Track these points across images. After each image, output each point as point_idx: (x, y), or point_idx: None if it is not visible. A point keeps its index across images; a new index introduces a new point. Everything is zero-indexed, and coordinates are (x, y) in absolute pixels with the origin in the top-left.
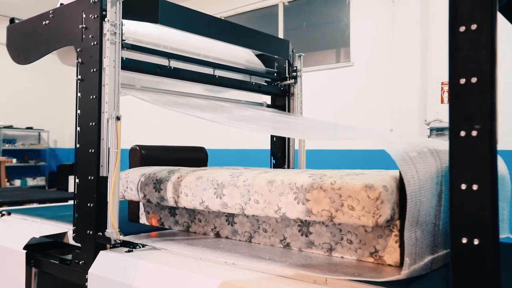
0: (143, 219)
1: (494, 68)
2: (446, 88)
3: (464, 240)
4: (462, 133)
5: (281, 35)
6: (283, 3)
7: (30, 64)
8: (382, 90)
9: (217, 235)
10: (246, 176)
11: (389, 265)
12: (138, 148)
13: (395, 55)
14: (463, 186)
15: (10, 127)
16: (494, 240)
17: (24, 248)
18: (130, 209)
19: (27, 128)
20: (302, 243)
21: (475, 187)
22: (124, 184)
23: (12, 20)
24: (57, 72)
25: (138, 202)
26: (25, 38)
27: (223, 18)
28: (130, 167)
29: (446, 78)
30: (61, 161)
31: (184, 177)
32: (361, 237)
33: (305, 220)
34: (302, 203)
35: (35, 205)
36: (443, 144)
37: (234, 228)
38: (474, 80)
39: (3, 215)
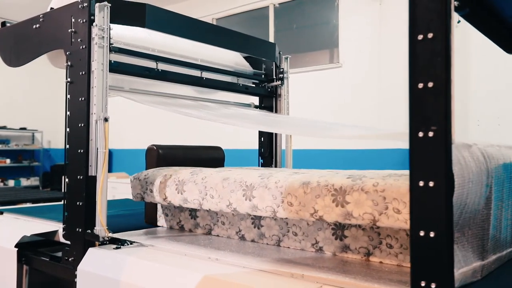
0: (161, 221)
1: (449, 73)
2: None
3: (422, 233)
4: (420, 134)
5: (271, 36)
6: (274, 5)
7: (25, 65)
8: (370, 91)
9: (242, 238)
10: (277, 177)
11: None
12: (155, 147)
13: (382, 56)
14: (421, 183)
15: (4, 127)
16: (448, 233)
17: (16, 246)
18: (147, 211)
19: (21, 128)
20: (336, 247)
21: (431, 183)
22: (143, 185)
23: (3, 24)
24: (51, 74)
25: (155, 204)
26: (16, 41)
27: (215, 20)
28: (146, 167)
29: None
30: (55, 162)
31: (208, 178)
32: (402, 241)
33: (340, 223)
34: (341, 206)
35: (28, 205)
36: (490, 144)
37: (261, 231)
38: (430, 85)
39: None
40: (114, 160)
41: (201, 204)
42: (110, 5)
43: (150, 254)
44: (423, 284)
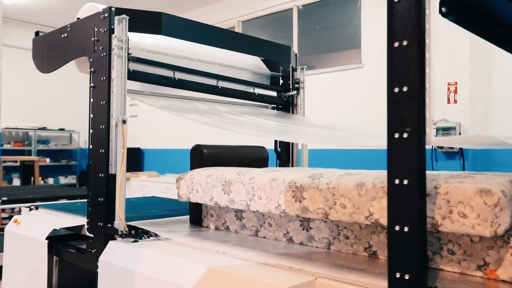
0: (206, 222)
1: (422, 78)
2: (452, 88)
3: (397, 228)
4: (396, 135)
5: (295, 37)
6: (297, 7)
7: (63, 70)
8: None
9: (290, 240)
10: (328, 178)
11: (504, 281)
12: (199, 147)
13: None
14: (397, 181)
15: (44, 128)
16: (421, 228)
17: (46, 239)
18: (191, 211)
19: (60, 129)
20: None
21: (405, 182)
22: (189, 185)
23: (37, 33)
24: (87, 77)
25: (200, 204)
26: (47, 49)
27: (240, 22)
28: (191, 167)
29: (452, 79)
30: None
31: (256, 179)
32: (466, 247)
33: None
34: None
35: (64, 201)
36: None
37: (310, 234)
38: (405, 89)
39: (31, 209)
40: (145, 160)
41: (249, 205)
42: (128, 17)
43: (164, 247)
44: (398, 275)
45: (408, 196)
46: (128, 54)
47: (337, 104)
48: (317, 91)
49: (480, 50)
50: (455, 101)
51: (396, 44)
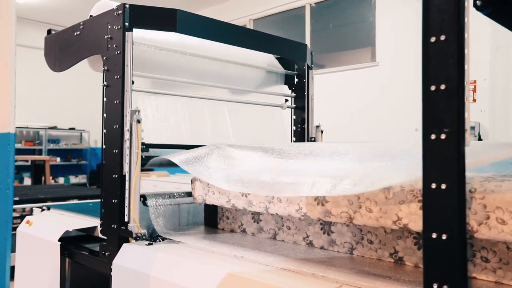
0: (221, 224)
1: (462, 75)
2: (471, 87)
3: (434, 235)
4: (433, 136)
5: (308, 35)
6: (310, 4)
7: (73, 69)
8: (407, 89)
9: (310, 244)
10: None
11: None
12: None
13: (419, 54)
14: (433, 185)
15: (55, 127)
16: (460, 236)
17: (59, 240)
18: (206, 213)
19: (70, 128)
20: (419, 258)
21: (443, 186)
22: (205, 187)
23: (49, 31)
24: (98, 76)
25: (215, 206)
26: (60, 47)
27: (252, 20)
28: None
29: (471, 77)
30: (101, 160)
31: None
32: (502, 254)
33: None
34: None
35: (75, 201)
36: None
37: (331, 238)
38: (443, 87)
39: (43, 210)
40: None
41: (268, 208)
42: (139, 110)
43: (179, 251)
44: (435, 286)
45: (446, 202)
46: (142, 144)
47: (352, 103)
48: (330, 90)
49: (501, 47)
50: (474, 100)
51: (433, 39)
